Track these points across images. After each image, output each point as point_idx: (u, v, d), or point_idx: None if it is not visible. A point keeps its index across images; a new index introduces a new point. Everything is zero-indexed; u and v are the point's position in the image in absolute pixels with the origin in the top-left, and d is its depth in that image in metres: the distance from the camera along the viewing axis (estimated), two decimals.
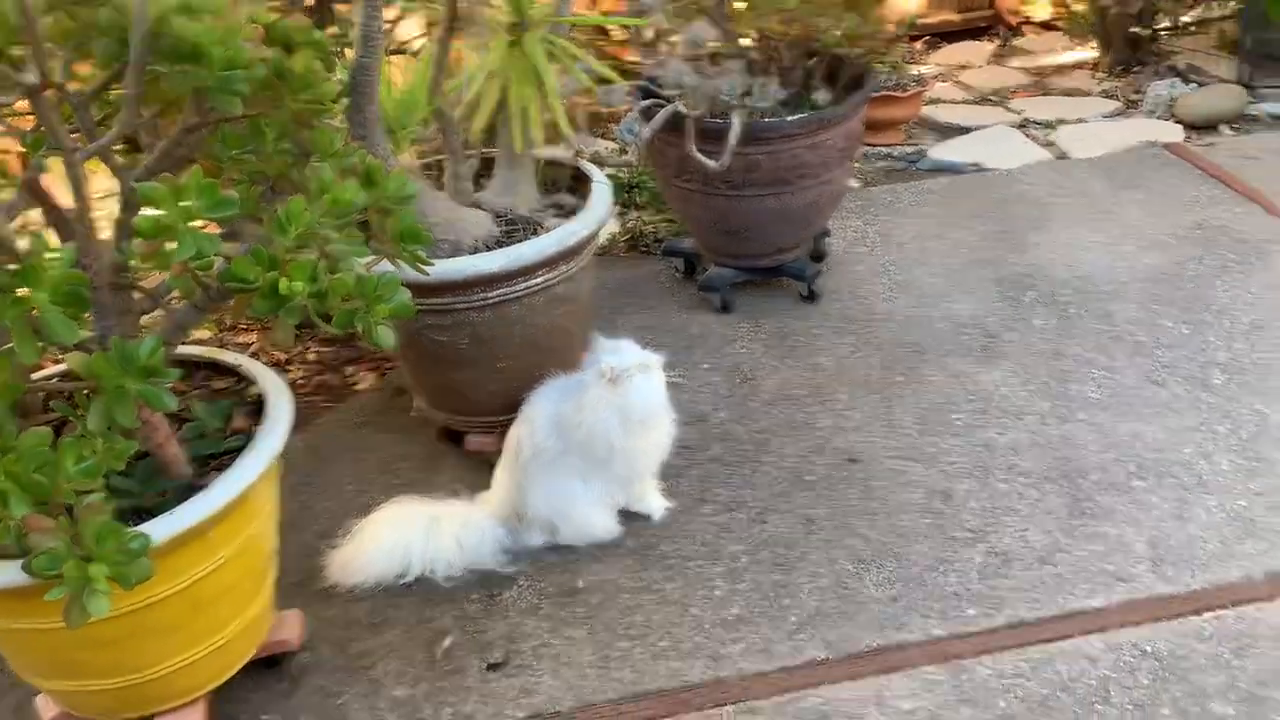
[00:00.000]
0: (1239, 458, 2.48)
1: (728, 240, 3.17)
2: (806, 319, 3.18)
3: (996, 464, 2.54)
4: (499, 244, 2.40)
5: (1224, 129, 4.18)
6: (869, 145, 4.21)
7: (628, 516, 2.44)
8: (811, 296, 3.24)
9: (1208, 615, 2.10)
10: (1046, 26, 5.54)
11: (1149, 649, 2.03)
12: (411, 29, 3.21)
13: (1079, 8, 5.03)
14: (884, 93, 4.10)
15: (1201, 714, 1.89)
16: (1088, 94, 4.69)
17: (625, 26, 3.43)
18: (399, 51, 3.11)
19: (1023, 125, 4.41)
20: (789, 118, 2.90)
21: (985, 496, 2.44)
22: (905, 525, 2.39)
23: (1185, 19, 5.01)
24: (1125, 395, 2.73)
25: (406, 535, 2.30)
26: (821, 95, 3.03)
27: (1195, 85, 4.47)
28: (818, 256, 3.39)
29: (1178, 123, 4.23)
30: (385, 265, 1.86)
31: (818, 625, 2.15)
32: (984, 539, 2.33)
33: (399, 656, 2.15)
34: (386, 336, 1.69)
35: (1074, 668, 2.00)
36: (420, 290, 2.11)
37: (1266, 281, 3.12)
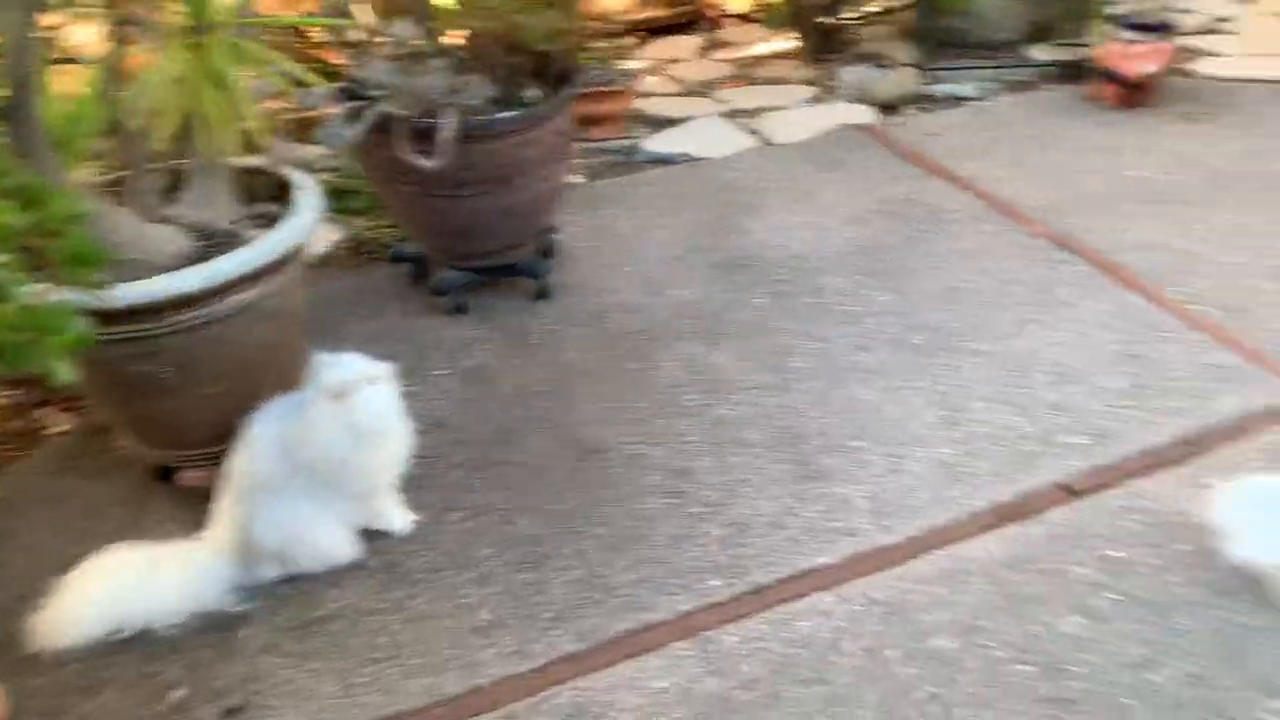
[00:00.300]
0: (940, 410, 2.69)
1: (453, 241, 3.11)
2: (541, 316, 3.18)
3: (728, 439, 2.63)
4: (196, 261, 2.23)
5: (909, 109, 4.53)
6: (587, 140, 4.26)
7: (370, 535, 2.34)
8: (544, 293, 3.24)
9: (925, 558, 2.26)
10: (747, 19, 5.81)
11: (876, 596, 2.17)
12: (87, 36, 2.95)
13: (772, 1, 5.30)
14: (596, 88, 4.16)
15: (924, 651, 2.03)
16: (789, 82, 4.95)
17: (328, 27, 3.31)
18: (70, 60, 2.85)
19: (730, 115, 4.61)
20: (500, 115, 2.87)
21: (720, 471, 2.53)
22: (648, 508, 2.43)
23: (871, 9, 5.40)
24: (839, 363, 2.90)
25: (119, 585, 2.11)
26: (532, 92, 3.03)
27: (883, 70, 4.81)
28: (547, 253, 3.39)
29: (870, 105, 4.55)
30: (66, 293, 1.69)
31: (570, 619, 2.15)
32: (722, 512, 2.41)
33: (121, 718, 1.97)
34: (64, 371, 1.54)
35: (810, 624, 2.10)
36: (108, 317, 1.94)
37: (953, 247, 3.41)
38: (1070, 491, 2.40)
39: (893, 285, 3.23)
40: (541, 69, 3.11)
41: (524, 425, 2.72)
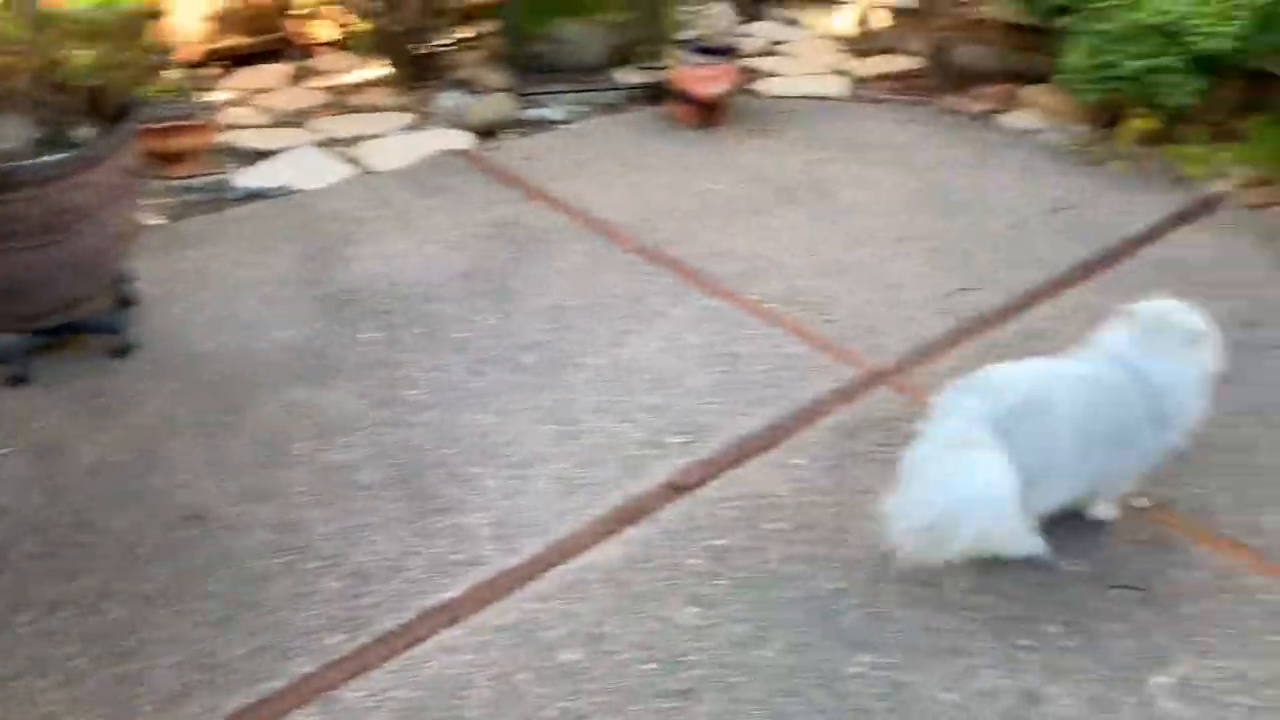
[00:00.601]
0: (555, 426, 2.75)
1: (1, 303, 2.74)
2: (122, 374, 2.89)
3: (343, 484, 2.53)
4: None
5: (505, 134, 4.61)
6: (166, 178, 3.94)
7: None
8: (123, 349, 2.95)
9: (549, 575, 2.29)
10: (337, 46, 5.66)
11: (503, 622, 2.17)
12: None
13: (360, 28, 5.19)
14: (171, 122, 3.87)
15: (552, 667, 2.06)
16: (385, 110, 4.88)
17: None
18: None
19: (327, 144, 4.46)
20: (44, 158, 2.57)
21: (336, 519, 2.42)
22: (258, 570, 2.27)
23: (464, 35, 5.45)
24: (454, 390, 2.88)
25: None
26: (84, 131, 2.74)
27: (477, 96, 4.87)
28: (124, 304, 3.08)
29: (467, 131, 4.58)
30: None
31: (178, 706, 1.97)
32: (340, 563, 2.30)
33: None
34: None
35: (438, 663, 2.06)
36: None
37: (556, 267, 3.50)
38: (677, 489, 2.54)
39: (501, 308, 3.27)
40: (95, 106, 2.82)
41: (107, 499, 2.45)
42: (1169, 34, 3.86)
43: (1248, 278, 3.39)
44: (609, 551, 2.36)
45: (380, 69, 5.23)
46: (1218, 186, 3.98)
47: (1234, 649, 2.07)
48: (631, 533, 2.41)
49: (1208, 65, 3.92)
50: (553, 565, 2.32)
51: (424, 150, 4.36)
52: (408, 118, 4.76)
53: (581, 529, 2.42)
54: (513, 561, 2.32)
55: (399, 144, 4.45)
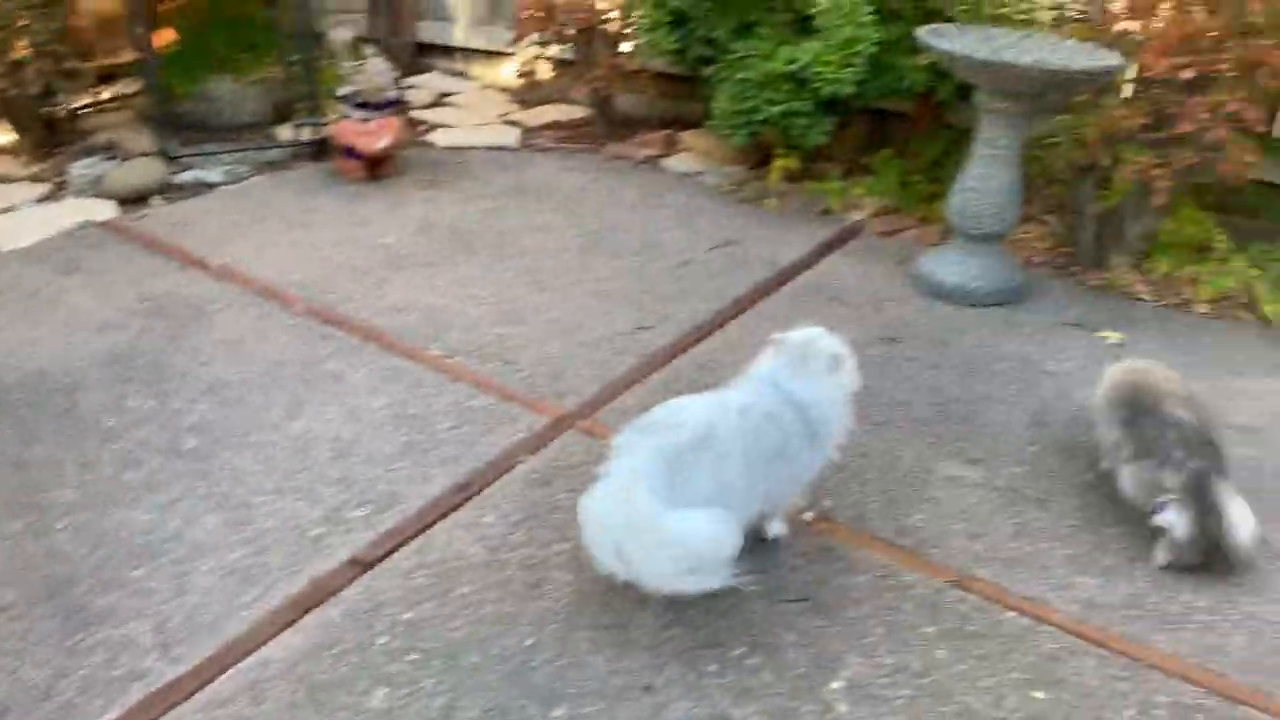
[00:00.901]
0: (223, 513, 2.56)
1: None
2: None
3: None
4: None
5: (155, 199, 4.30)
6: None
7: None
8: None
9: (225, 677, 2.12)
10: None
11: None
12: None
13: None
14: None
15: None
16: (12, 181, 4.41)
17: None
18: None
19: None
20: None
21: None
22: None
23: (103, 95, 5.04)
24: (105, 487, 2.62)
25: None
26: None
27: (121, 161, 4.51)
28: None
29: (110, 199, 4.23)
30: None
31: None
32: None
33: None
34: None
35: None
36: None
37: (216, 338, 3.29)
38: (362, 565, 2.43)
39: (158, 389, 3.02)
40: None
41: None
42: (799, 80, 4.21)
43: (885, 298, 3.73)
44: (289, 642, 2.21)
45: (3, 136, 4.73)
46: (854, 217, 4.39)
47: (894, 645, 2.25)
48: (313, 619, 2.28)
49: (835, 108, 4.32)
50: (228, 666, 2.14)
51: (61, 224, 3.98)
52: (39, 188, 4.34)
53: (258, 621, 2.26)
54: (181, 669, 2.12)
55: (30, 218, 4.04)
